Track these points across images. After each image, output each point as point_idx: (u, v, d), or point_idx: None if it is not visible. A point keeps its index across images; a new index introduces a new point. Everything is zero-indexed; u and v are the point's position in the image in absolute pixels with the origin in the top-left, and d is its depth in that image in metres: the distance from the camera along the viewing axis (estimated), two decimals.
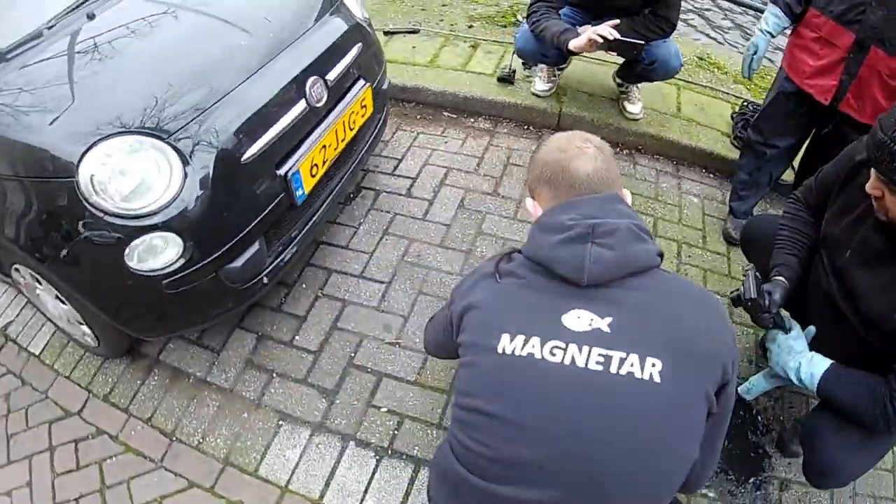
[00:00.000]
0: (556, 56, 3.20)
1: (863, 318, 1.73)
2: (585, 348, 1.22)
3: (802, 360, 1.77)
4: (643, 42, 2.80)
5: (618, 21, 2.81)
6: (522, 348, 1.25)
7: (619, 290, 1.27)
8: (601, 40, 2.71)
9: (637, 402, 1.19)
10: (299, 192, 2.12)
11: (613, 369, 1.20)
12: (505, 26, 4.07)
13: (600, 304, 1.26)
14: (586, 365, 1.21)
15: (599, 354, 1.21)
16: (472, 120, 3.56)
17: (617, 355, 1.21)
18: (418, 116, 3.56)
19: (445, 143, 3.38)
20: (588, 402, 1.20)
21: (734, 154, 3.38)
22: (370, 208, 3.01)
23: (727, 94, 3.80)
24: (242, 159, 1.90)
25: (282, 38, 2.15)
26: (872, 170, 1.52)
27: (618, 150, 3.46)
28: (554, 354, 1.23)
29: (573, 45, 2.83)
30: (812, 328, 1.84)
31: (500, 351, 1.27)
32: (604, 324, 1.24)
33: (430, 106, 3.62)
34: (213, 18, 2.15)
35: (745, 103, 3.61)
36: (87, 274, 1.86)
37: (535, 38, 3.05)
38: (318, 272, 2.74)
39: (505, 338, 1.27)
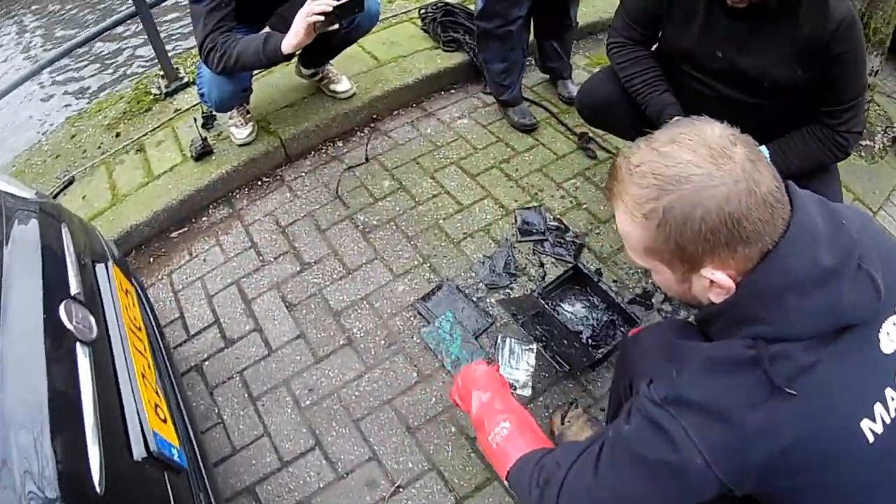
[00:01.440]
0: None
1: (769, 92, 1.78)
2: None
3: None
4: None
5: None
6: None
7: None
8: (322, 17, 2.13)
9: None
10: (174, 454, 1.32)
11: None
12: (149, 109, 3.20)
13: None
14: None
15: None
16: (204, 218, 2.72)
17: None
18: (151, 259, 2.63)
19: (204, 261, 2.54)
20: None
21: (455, 58, 3.17)
22: (211, 391, 2.13)
23: (404, 13, 3.51)
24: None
25: None
26: None
27: (362, 133, 2.96)
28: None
29: (288, 44, 2.18)
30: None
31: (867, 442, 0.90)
32: None
33: (151, 240, 2.68)
34: None
35: (423, 7, 3.38)
36: None
37: (227, 74, 2.34)
38: (242, 500, 1.89)
39: (862, 429, 0.90)
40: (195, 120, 2.82)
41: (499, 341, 2.03)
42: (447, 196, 2.61)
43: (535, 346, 2.03)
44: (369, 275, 2.35)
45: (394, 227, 2.51)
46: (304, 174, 2.79)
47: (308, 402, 2.02)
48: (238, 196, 2.77)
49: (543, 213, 2.48)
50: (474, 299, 2.21)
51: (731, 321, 0.95)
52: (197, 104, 2.95)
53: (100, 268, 1.60)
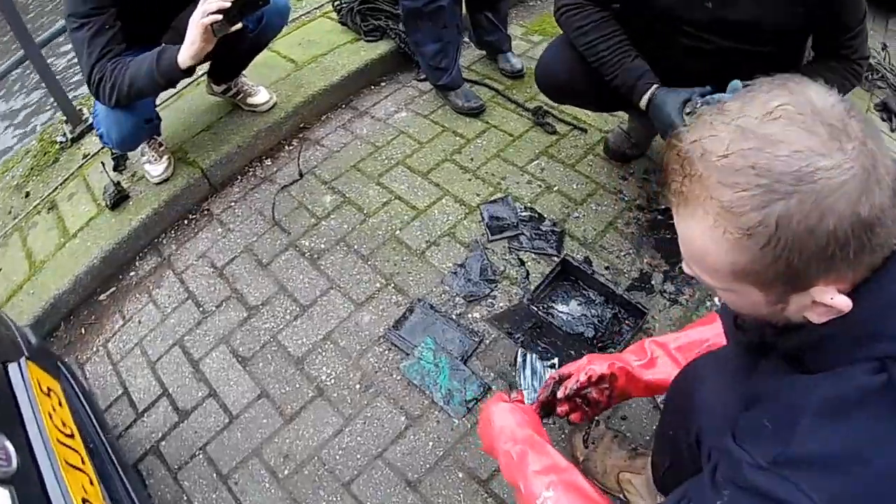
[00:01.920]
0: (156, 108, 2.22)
1: (770, 36, 1.61)
2: None
3: None
4: None
5: None
6: None
7: None
8: (219, 17, 1.78)
9: None
10: None
11: None
12: (56, 159, 2.75)
13: None
14: None
15: None
16: (132, 272, 2.30)
17: None
18: (82, 331, 2.20)
19: (139, 322, 2.13)
20: None
21: (381, 48, 2.85)
22: (174, 475, 1.76)
23: (317, 9, 3.17)
24: None
25: None
26: None
27: (291, 146, 2.61)
28: None
29: (185, 56, 1.82)
30: (735, 81, 1.53)
31: None
32: None
33: (79, 307, 2.26)
34: None
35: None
36: None
37: (124, 105, 1.97)
38: None
39: None
40: (103, 164, 2.41)
41: (518, 359, 1.57)
42: (399, 202, 2.29)
43: (556, 360, 1.67)
44: (327, 309, 2.01)
45: (345, 248, 2.17)
46: (233, 203, 2.43)
47: (286, 472, 1.69)
48: (165, 241, 2.38)
49: (512, 204, 2.18)
50: (454, 317, 1.90)
51: (846, 344, 0.69)
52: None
53: (12, 369, 1.24)
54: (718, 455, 0.79)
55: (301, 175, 2.45)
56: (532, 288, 1.88)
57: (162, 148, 2.42)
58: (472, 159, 2.39)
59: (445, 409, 1.71)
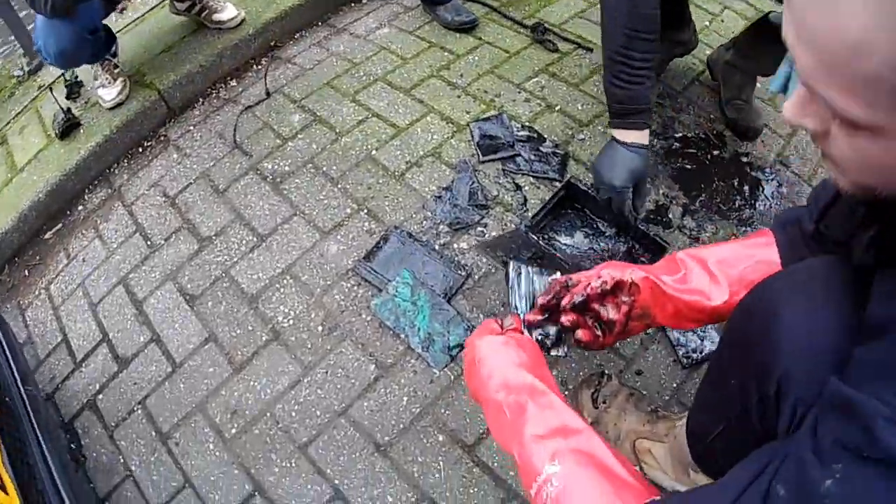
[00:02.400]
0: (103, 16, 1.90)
1: None
2: None
3: None
4: None
5: None
6: None
7: None
8: None
9: None
10: None
11: None
12: (12, 94, 2.29)
13: None
14: None
15: None
16: (80, 207, 1.96)
17: None
18: (26, 272, 1.86)
19: (83, 261, 1.82)
20: None
21: None
22: (111, 433, 1.47)
23: None
24: None
25: None
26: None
27: (259, 66, 2.26)
28: None
29: None
30: None
31: None
32: None
33: (24, 248, 1.94)
34: None
35: None
36: None
37: (64, 15, 1.69)
38: None
39: None
40: (51, 89, 2.10)
41: (511, 272, 1.06)
42: (377, 120, 1.95)
43: (559, 274, 1.28)
44: (288, 238, 1.69)
45: (312, 170, 1.85)
46: (192, 128, 2.09)
47: (234, 430, 1.40)
48: (117, 171, 2.05)
49: (507, 123, 1.85)
50: (437, 247, 1.58)
51: None
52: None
53: None
54: (820, 410, 0.51)
55: (268, 94, 2.11)
56: (530, 215, 1.57)
57: (117, 70, 2.08)
58: (461, 75, 2.05)
59: (424, 357, 1.41)
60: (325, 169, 1.83)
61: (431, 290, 1.48)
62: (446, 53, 2.15)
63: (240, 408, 1.43)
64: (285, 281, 1.60)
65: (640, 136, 1.33)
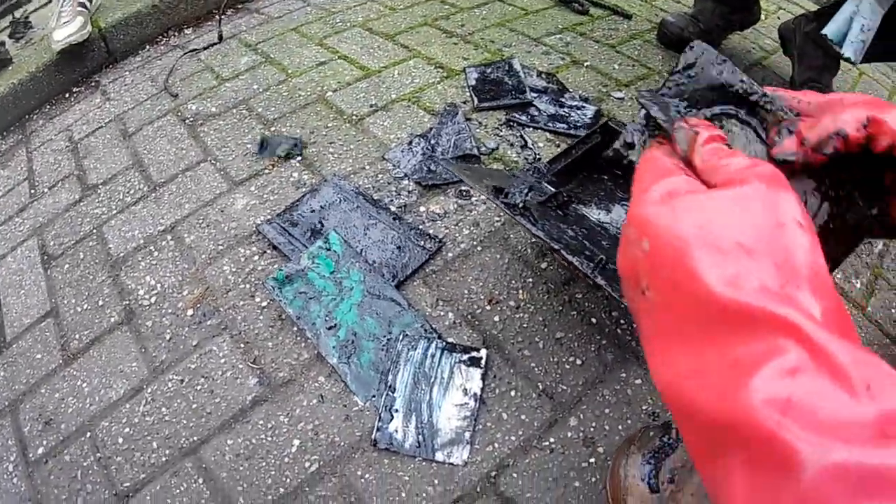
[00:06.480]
0: None
1: None
2: None
3: None
4: None
5: None
6: None
7: None
8: None
9: None
10: None
11: None
12: None
13: None
14: None
15: None
16: None
17: None
18: None
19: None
20: None
21: None
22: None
23: None
24: None
25: None
26: None
27: (225, 15, 1.73)
28: None
29: None
30: None
31: None
32: None
33: None
34: None
35: None
36: None
37: None
38: None
39: None
40: None
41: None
42: (342, 62, 1.37)
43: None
44: (187, 188, 1.09)
45: (244, 111, 1.25)
46: (127, 73, 1.52)
47: (41, 451, 0.79)
48: (36, 116, 1.48)
49: (517, 68, 1.25)
50: (393, 208, 0.96)
51: None
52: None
53: None
54: None
55: (220, 38, 1.55)
56: (548, 160, 0.92)
57: (80, 7, 1.53)
58: (462, 25, 1.48)
59: (340, 374, 0.77)
60: (259, 110, 1.23)
61: (372, 266, 0.85)
62: (447, 6, 1.59)
63: (56, 417, 0.81)
64: (164, 242, 0.99)
65: None
